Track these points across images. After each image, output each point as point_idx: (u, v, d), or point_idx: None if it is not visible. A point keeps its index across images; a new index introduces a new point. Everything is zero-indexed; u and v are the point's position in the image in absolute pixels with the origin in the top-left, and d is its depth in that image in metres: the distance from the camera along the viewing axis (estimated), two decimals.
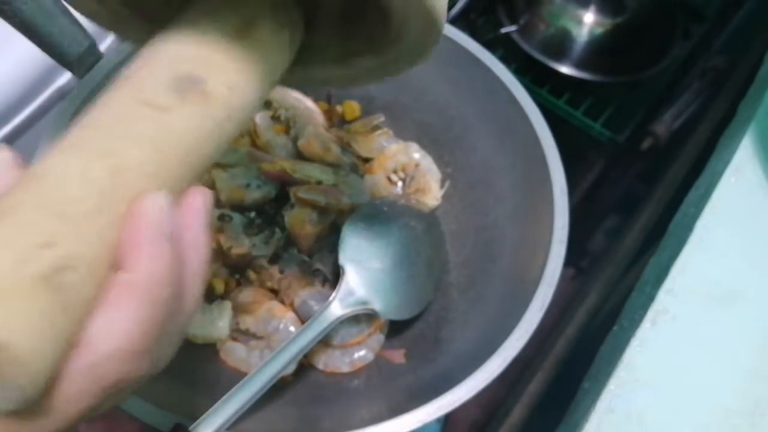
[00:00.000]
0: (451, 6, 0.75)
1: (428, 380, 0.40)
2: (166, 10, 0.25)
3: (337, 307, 0.38)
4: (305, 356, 0.42)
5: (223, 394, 0.32)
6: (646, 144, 0.72)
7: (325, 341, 0.42)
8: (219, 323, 0.43)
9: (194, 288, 0.21)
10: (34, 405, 0.16)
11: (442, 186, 0.50)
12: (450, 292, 0.46)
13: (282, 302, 0.45)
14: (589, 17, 0.73)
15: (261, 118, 0.50)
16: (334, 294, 0.39)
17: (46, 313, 0.16)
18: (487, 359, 0.34)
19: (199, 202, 0.22)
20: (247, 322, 0.43)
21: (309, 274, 0.45)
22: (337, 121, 0.53)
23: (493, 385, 0.34)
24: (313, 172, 0.47)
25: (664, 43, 0.75)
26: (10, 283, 0.15)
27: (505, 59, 0.53)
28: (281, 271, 0.46)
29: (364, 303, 0.39)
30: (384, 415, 0.32)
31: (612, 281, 0.66)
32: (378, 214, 0.44)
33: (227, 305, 0.44)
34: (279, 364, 0.34)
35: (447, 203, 0.50)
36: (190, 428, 0.31)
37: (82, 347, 0.17)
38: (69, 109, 0.40)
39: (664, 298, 0.37)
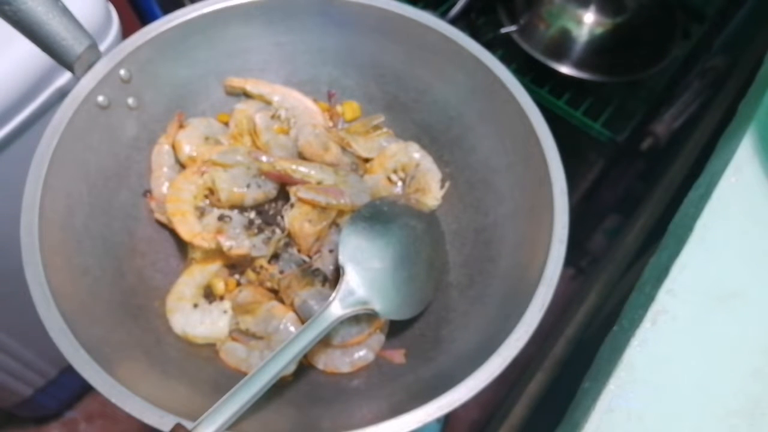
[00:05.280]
0: (451, 6, 0.75)
1: (428, 380, 0.40)
2: None
3: (337, 307, 0.38)
4: (305, 356, 0.42)
5: (223, 394, 0.32)
6: (646, 144, 0.72)
7: (325, 341, 0.42)
8: (219, 323, 0.43)
9: None
10: None
11: (442, 186, 0.50)
12: (450, 292, 0.46)
13: (282, 302, 0.45)
14: (589, 17, 0.73)
15: (261, 118, 0.50)
16: (334, 294, 0.39)
17: None
18: (487, 359, 0.34)
19: None
20: (247, 322, 0.43)
21: (309, 274, 0.45)
22: (337, 121, 0.53)
23: (493, 385, 0.33)
24: (313, 172, 0.47)
25: (664, 43, 0.75)
26: None
27: (505, 59, 0.53)
28: (281, 271, 0.46)
29: (364, 303, 0.39)
30: (384, 415, 0.32)
31: (612, 281, 0.66)
32: (378, 214, 0.44)
33: (227, 305, 0.44)
34: (279, 364, 0.34)
35: (447, 203, 0.50)
36: (190, 428, 0.31)
37: None
38: (68, 109, 0.40)
39: (664, 298, 0.37)
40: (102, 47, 0.50)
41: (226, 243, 0.44)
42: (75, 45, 0.39)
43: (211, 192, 0.47)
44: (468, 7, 0.73)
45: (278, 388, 0.39)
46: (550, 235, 0.38)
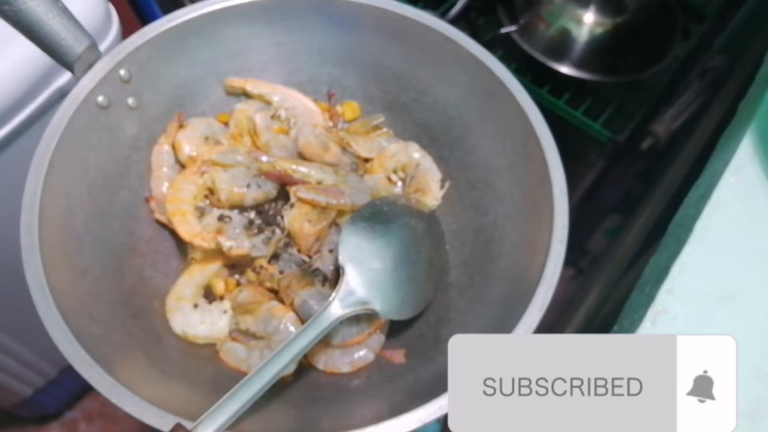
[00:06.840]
0: (451, 6, 0.75)
1: (428, 380, 0.40)
2: None
3: (337, 307, 0.38)
4: (305, 356, 0.42)
5: (223, 394, 0.32)
6: (646, 144, 0.72)
7: (325, 341, 0.42)
8: (219, 323, 0.43)
9: None
10: None
11: (442, 186, 0.50)
12: (450, 292, 0.46)
13: (282, 302, 0.45)
14: (589, 17, 0.73)
15: (261, 118, 0.50)
16: (334, 294, 0.39)
17: None
18: None
19: None
20: (247, 322, 0.43)
21: (309, 274, 0.45)
22: (337, 121, 0.53)
23: None
24: (313, 172, 0.47)
25: (664, 43, 0.75)
26: None
27: (505, 59, 0.53)
28: (281, 271, 0.46)
29: (364, 303, 0.39)
30: (384, 414, 0.32)
31: (612, 281, 0.66)
32: (378, 214, 0.44)
33: (227, 305, 0.44)
34: (279, 364, 0.34)
35: (447, 203, 0.50)
36: (190, 428, 0.31)
37: None
38: (68, 109, 0.40)
39: (664, 298, 0.37)
40: (102, 47, 0.50)
41: (226, 243, 0.44)
42: (75, 45, 0.39)
43: (211, 192, 0.47)
44: (468, 7, 0.73)
45: (278, 388, 0.39)
46: (550, 235, 0.38)
